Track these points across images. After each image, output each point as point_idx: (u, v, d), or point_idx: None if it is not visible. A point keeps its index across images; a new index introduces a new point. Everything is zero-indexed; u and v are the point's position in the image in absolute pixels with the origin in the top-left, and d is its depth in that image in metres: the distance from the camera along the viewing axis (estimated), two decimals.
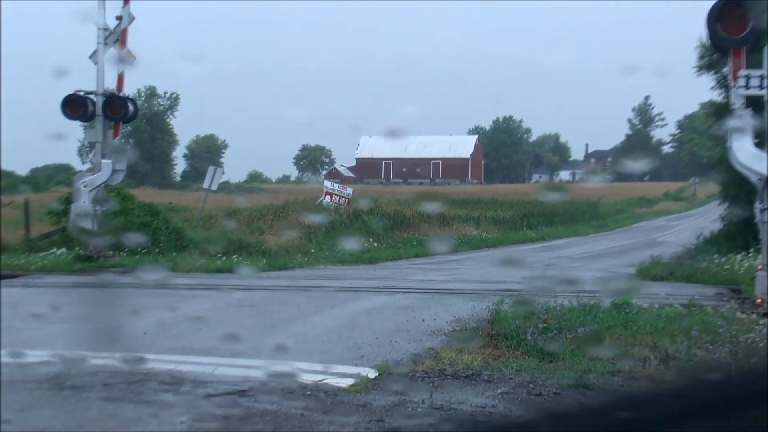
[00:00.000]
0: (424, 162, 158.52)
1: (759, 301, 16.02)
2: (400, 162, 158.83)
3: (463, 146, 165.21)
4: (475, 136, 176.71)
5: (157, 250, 31.62)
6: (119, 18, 28.70)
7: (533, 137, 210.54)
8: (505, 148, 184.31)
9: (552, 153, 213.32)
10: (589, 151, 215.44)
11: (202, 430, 8.80)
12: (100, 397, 9.96)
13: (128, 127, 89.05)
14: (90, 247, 28.35)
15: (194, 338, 14.39)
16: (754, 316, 13.46)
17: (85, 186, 27.88)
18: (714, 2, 16.99)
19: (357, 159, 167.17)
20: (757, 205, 16.71)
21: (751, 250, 25.41)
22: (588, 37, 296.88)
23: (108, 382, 10.63)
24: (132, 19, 28.77)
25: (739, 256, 25.93)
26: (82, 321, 17.16)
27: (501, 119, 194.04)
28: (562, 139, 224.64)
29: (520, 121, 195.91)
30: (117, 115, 28.68)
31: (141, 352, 12.64)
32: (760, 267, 16.57)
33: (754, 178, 16.56)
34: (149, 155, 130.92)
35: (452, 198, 71.91)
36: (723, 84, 33.27)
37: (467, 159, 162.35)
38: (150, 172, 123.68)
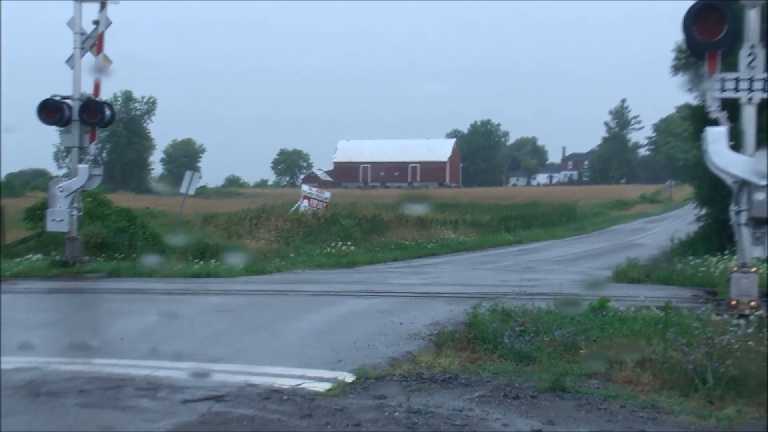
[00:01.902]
0: (402, 166, 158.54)
1: (734, 303, 16.10)
2: (378, 166, 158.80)
3: (442, 150, 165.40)
4: (453, 140, 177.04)
5: (134, 255, 31.49)
6: (95, 22, 28.57)
7: (511, 141, 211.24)
8: (482, 152, 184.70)
9: (529, 156, 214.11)
10: (567, 154, 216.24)
11: None
12: (77, 403, 9.91)
13: (105, 132, 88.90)
14: (66, 252, 28.20)
15: (171, 343, 14.34)
16: (729, 317, 13.52)
17: (61, 191, 27.72)
18: (690, 5, 17.07)
19: (335, 163, 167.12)
20: (733, 208, 16.79)
21: (727, 252, 25.54)
22: (565, 41, 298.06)
23: (84, 388, 10.59)
24: (109, 23, 28.64)
25: (714, 259, 26.04)
26: (58, 327, 17.09)
27: (479, 123, 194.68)
28: (540, 143, 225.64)
29: (498, 125, 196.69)
30: (93, 119, 28.52)
31: (118, 358, 12.61)
32: (735, 269, 16.65)
33: (729, 181, 16.64)
34: (126, 160, 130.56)
35: (431, 201, 72.03)
36: (699, 87, 33.43)
37: (445, 162, 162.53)
38: (127, 177, 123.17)
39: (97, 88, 28.87)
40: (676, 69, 36.32)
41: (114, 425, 9.12)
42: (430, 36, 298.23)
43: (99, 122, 28.99)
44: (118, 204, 36.29)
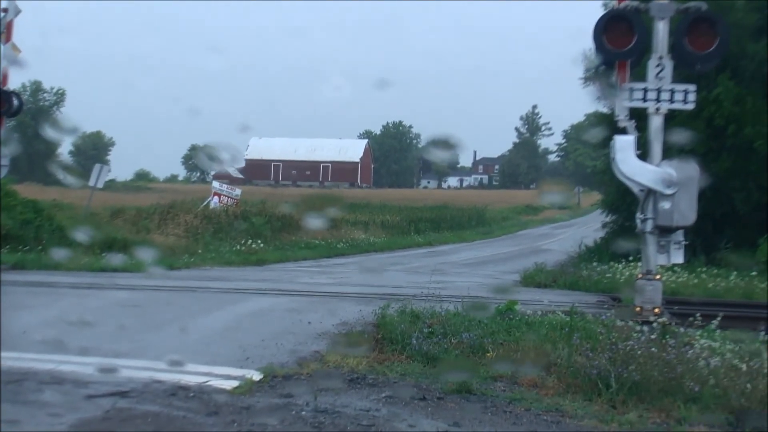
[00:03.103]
0: (314, 165, 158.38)
1: (638, 309, 16.36)
2: (289, 164, 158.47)
3: (353, 150, 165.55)
4: (365, 141, 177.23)
5: (39, 247, 30.98)
6: (5, 10, 28.04)
7: (422, 143, 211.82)
8: (394, 153, 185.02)
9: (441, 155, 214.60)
10: (478, 158, 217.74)
11: (82, 431, 8.66)
12: None
13: (12, 122, 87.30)
14: None
15: (76, 337, 14.13)
16: (632, 323, 13.73)
17: None
18: (601, 15, 17.31)
19: (246, 160, 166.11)
20: (639, 216, 17.02)
21: (631, 258, 25.99)
22: (478, 45, 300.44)
23: None
24: (18, 11, 28.11)
25: (620, 265, 26.49)
26: None
27: (390, 124, 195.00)
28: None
29: (410, 127, 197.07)
30: (0, 109, 28.00)
31: (20, 351, 12.40)
32: (640, 276, 16.90)
33: (636, 189, 16.88)
34: (33, 151, 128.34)
35: (342, 201, 71.95)
36: (608, 95, 33.96)
37: (357, 163, 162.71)
38: (34, 168, 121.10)
39: (5, 77, 28.30)
40: (587, 79, 36.88)
41: (16, 419, 8.96)
42: (343, 37, 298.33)
43: (6, 112, 28.42)
44: (24, 195, 35.65)
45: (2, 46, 28.11)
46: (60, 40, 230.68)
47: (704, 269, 25.92)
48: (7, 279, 23.97)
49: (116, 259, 29.27)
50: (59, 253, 28.98)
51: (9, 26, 28.06)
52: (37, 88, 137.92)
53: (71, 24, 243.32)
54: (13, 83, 29.20)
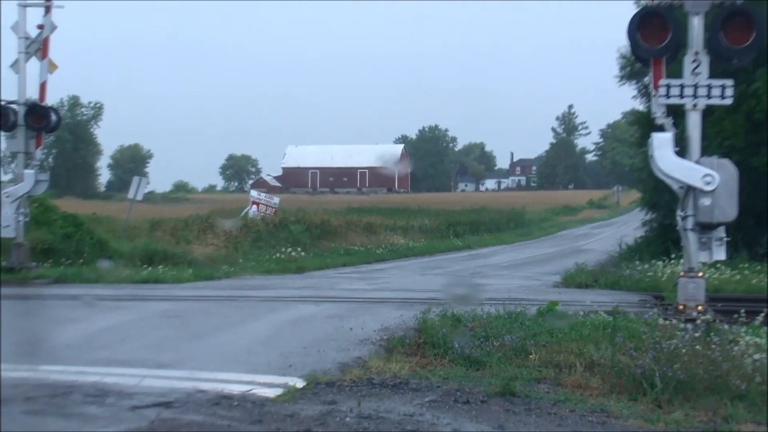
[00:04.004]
0: (350, 171, 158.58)
1: (681, 307, 16.24)
2: (326, 171, 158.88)
3: (390, 155, 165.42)
4: (401, 145, 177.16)
5: (81, 261, 31.20)
6: (41, 27, 28.32)
7: (459, 146, 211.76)
8: (431, 158, 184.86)
9: (478, 162, 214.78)
10: (515, 159, 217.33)
11: None
12: (23, 410, 9.79)
13: (51, 137, 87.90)
14: (12, 258, 27.89)
15: (119, 349, 14.22)
16: (676, 322, 13.63)
17: (7, 197, 27.43)
18: (635, 12, 17.22)
19: (283, 168, 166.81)
20: (679, 213, 16.93)
21: (673, 256, 25.79)
22: (510, 47, 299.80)
23: (31, 395, 10.46)
24: (54, 27, 28.41)
25: (661, 263, 26.28)
26: (3, 333, 16.86)
27: (426, 128, 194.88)
28: (488, 148, 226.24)
29: (446, 131, 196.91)
30: (39, 124, 28.25)
31: (65, 365, 12.47)
32: (682, 274, 16.79)
33: (675, 186, 16.79)
34: (72, 165, 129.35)
35: (379, 207, 72.06)
36: (645, 93, 33.78)
37: (392, 169, 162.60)
38: (73, 182, 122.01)
39: (42, 92, 28.60)
40: (622, 77, 36.63)
41: None
42: (381, 44, 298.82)
43: (45, 127, 28.72)
44: (64, 210, 35.91)
45: (39, 63, 28.40)
46: (95, 53, 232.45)
47: (747, 265, 25.65)
48: (49, 293, 24.16)
49: (157, 270, 29.47)
50: (107, 265, 29.22)
51: (45, 42, 28.35)
52: (75, 102, 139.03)
53: (107, 36, 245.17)
54: (51, 98, 29.51)
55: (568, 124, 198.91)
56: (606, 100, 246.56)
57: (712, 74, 16.95)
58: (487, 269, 36.57)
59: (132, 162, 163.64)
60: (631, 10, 17.17)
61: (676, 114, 17.31)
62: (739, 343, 11.84)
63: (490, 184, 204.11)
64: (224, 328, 17.51)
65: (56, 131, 33.94)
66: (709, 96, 16.81)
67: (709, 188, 16.20)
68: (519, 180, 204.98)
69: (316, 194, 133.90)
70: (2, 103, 27.91)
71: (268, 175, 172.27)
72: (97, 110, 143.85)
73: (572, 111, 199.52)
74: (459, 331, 14.05)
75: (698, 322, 13.62)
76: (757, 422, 9.57)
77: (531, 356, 12.76)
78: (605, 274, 27.91)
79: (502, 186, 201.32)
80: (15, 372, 11.76)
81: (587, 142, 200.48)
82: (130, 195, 40.84)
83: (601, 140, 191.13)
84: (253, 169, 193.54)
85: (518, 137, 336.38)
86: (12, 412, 9.72)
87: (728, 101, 17.07)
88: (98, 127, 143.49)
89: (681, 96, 16.80)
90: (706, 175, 16.22)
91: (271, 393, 10.64)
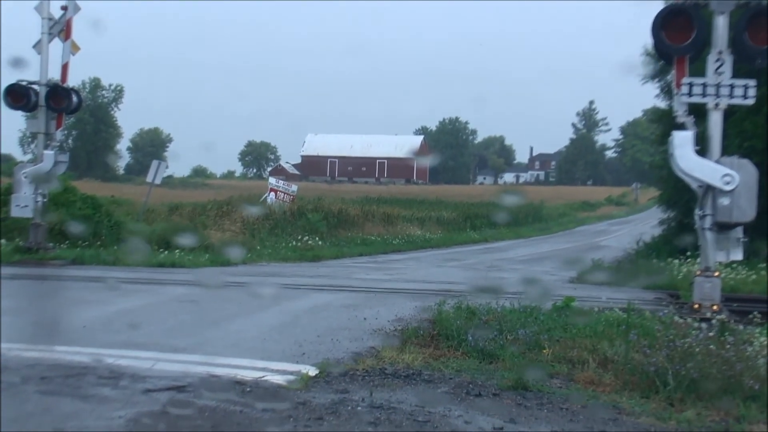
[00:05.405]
0: (369, 161, 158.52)
1: (696, 306, 16.22)
2: (345, 160, 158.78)
3: (409, 146, 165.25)
4: (421, 137, 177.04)
5: (98, 243, 31.33)
6: (64, 8, 28.40)
7: (479, 139, 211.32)
8: (450, 150, 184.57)
9: (497, 155, 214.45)
10: (534, 154, 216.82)
11: (140, 425, 8.74)
12: (38, 390, 9.84)
13: (71, 119, 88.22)
14: (30, 238, 28.02)
15: (134, 333, 14.27)
16: (690, 321, 13.60)
17: (26, 177, 27.54)
18: (659, 10, 17.17)
19: (302, 156, 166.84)
20: (698, 212, 16.90)
21: (689, 255, 25.71)
22: (533, 41, 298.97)
23: (45, 375, 10.51)
24: (77, 9, 28.49)
25: (677, 261, 26.22)
26: (20, 313, 16.96)
27: (447, 120, 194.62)
28: (507, 142, 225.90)
29: (466, 123, 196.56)
30: (60, 106, 28.34)
31: (80, 346, 12.54)
32: (698, 273, 16.76)
33: (694, 185, 16.75)
34: (92, 147, 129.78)
35: (397, 198, 72.02)
36: (667, 91, 33.66)
37: (413, 159, 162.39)
38: (92, 164, 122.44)
39: (64, 74, 28.68)
40: (645, 75, 36.49)
41: (75, 413, 9.05)
42: (404, 37, 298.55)
43: (66, 108, 28.81)
44: (83, 191, 36.03)
45: (62, 44, 28.48)
46: (118, 35, 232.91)
47: (764, 266, 25.55)
48: (66, 274, 24.28)
49: (174, 254, 29.51)
50: (134, 247, 29.33)
51: (68, 24, 28.42)
52: (96, 84, 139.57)
53: (129, 20, 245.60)
54: (73, 80, 29.58)
55: (589, 120, 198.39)
56: (627, 98, 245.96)
57: (736, 74, 16.89)
58: (503, 263, 36.55)
59: (152, 146, 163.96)
60: (658, 6, 17.10)
61: (698, 113, 17.27)
62: (753, 343, 11.81)
63: (508, 177, 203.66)
64: (240, 314, 17.55)
65: (77, 113, 34.06)
66: (731, 95, 16.76)
67: (728, 188, 16.16)
68: (538, 174, 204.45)
69: (335, 183, 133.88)
70: (24, 83, 28.01)
71: (287, 162, 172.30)
72: (118, 93, 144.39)
73: (593, 107, 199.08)
74: (473, 323, 14.06)
75: (713, 321, 13.60)
76: None
77: (544, 351, 12.76)
78: (622, 270, 27.86)
79: (521, 180, 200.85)
80: (31, 352, 11.83)
81: (607, 138, 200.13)
82: (149, 179, 40.93)
83: (621, 137, 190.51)
84: (272, 156, 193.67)
85: (538, 132, 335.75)
86: (27, 391, 9.78)
87: (750, 101, 17.02)
88: (119, 109, 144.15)
89: (703, 95, 16.75)
90: (726, 174, 16.19)
91: (284, 380, 10.67)
